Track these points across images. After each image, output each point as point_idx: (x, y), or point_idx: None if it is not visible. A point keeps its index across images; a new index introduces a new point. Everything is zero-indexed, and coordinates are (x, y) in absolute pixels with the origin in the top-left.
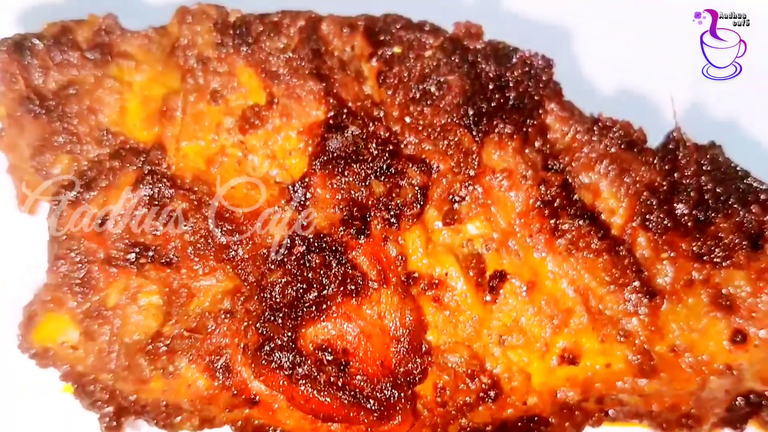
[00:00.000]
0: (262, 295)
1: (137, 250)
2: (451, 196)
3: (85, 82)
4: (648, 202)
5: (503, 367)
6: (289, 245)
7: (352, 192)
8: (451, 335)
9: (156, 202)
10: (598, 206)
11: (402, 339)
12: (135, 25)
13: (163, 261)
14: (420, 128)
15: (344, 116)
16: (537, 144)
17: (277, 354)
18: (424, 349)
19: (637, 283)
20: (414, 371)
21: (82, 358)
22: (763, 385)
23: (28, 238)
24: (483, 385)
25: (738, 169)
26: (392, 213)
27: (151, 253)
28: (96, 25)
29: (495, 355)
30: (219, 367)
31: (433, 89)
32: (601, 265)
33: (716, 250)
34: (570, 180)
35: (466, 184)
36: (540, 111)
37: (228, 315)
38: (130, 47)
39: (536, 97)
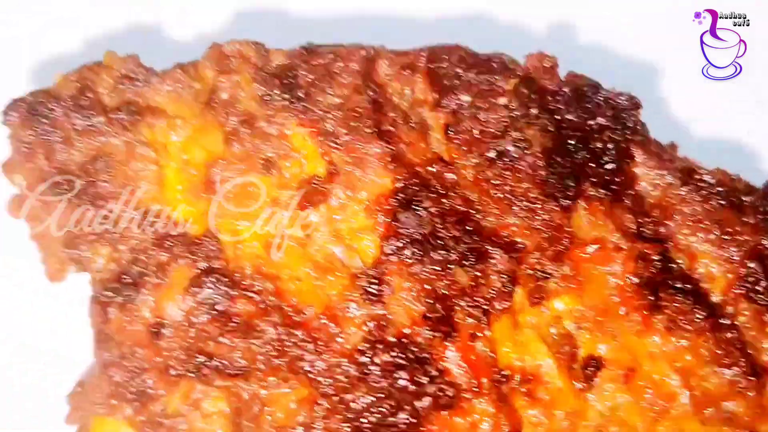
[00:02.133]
0: (345, 414)
1: (199, 359)
2: (537, 273)
3: (115, 153)
4: (754, 270)
5: None
6: (370, 352)
7: (434, 282)
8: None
9: (217, 307)
10: (696, 271)
11: None
12: (158, 64)
13: (229, 372)
14: (500, 196)
15: (415, 185)
16: (626, 202)
17: None
18: None
19: (742, 362)
20: None
21: None
22: None
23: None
24: None
25: None
26: (481, 307)
27: (215, 363)
28: (116, 68)
29: None
30: None
31: (510, 148)
32: (704, 343)
33: None
34: (666, 245)
35: (554, 259)
36: (628, 161)
37: (307, 430)
38: (159, 96)
39: (623, 145)
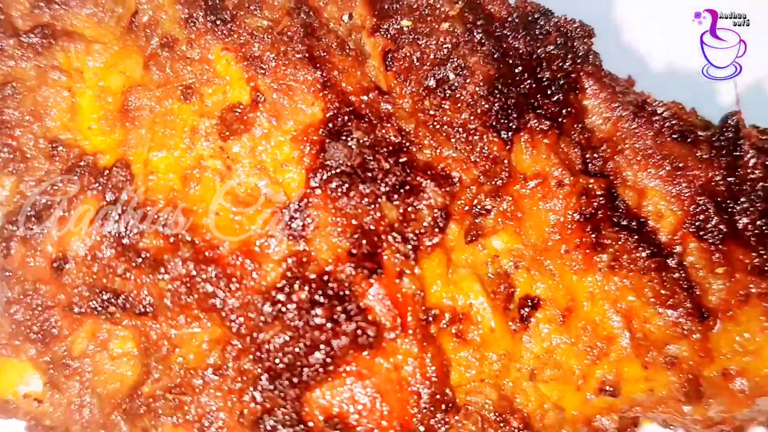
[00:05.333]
0: (257, 354)
1: (104, 297)
2: (474, 209)
3: (25, 78)
4: (704, 207)
5: (535, 404)
6: (287, 290)
7: (361, 217)
8: (477, 374)
9: (123, 241)
10: (645, 209)
11: (422, 393)
12: None
13: (137, 311)
14: (438, 127)
15: (347, 115)
16: (574, 135)
17: (279, 429)
18: (447, 399)
19: (688, 303)
20: (437, 429)
21: (48, 412)
22: None
23: None
24: (513, 428)
25: None
26: (409, 243)
27: (121, 301)
28: None
29: (526, 392)
30: None
31: (451, 76)
32: (649, 283)
33: None
34: (613, 179)
35: (492, 194)
36: (577, 92)
37: (218, 372)
38: (77, 20)
39: (572, 75)
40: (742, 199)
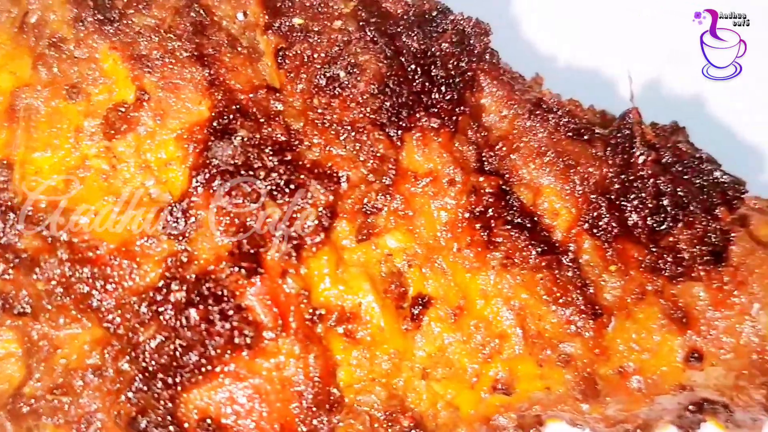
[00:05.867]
0: (134, 355)
1: None
2: (365, 207)
3: None
4: (597, 205)
5: (428, 403)
6: (165, 290)
7: (243, 216)
8: (367, 373)
9: (2, 241)
10: (540, 206)
11: (305, 393)
12: None
13: (16, 311)
14: (326, 125)
15: (233, 113)
16: (470, 133)
17: (152, 430)
18: (333, 399)
19: (580, 301)
20: (320, 429)
21: None
22: (719, 396)
23: None
24: (404, 428)
25: (704, 158)
26: (291, 243)
27: (0, 302)
28: None
29: (418, 391)
30: None
31: (342, 74)
32: (541, 281)
33: (673, 264)
34: (508, 178)
35: (383, 193)
36: (474, 90)
37: (97, 373)
38: None
39: (469, 73)
40: (632, 197)
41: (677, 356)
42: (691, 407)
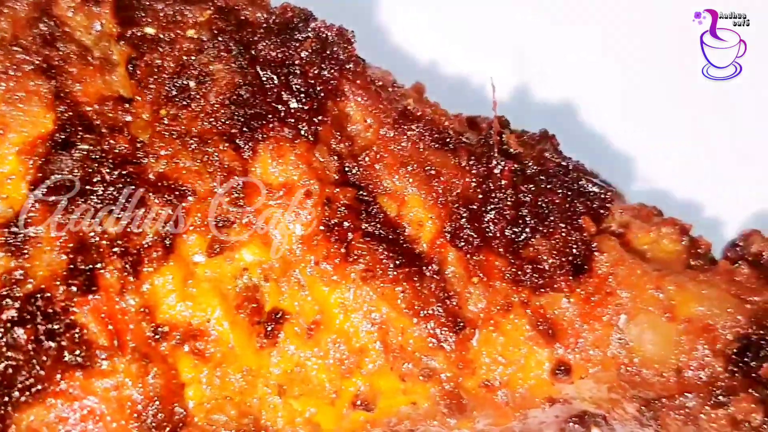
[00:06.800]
0: None
1: None
2: (216, 221)
3: None
4: (459, 215)
5: (285, 420)
6: None
7: (81, 232)
8: (219, 391)
9: None
10: (405, 217)
11: (145, 413)
12: None
13: None
14: (174, 137)
15: (77, 126)
16: (333, 143)
17: None
18: (177, 418)
19: (442, 314)
20: None
21: None
22: (596, 408)
23: None
24: None
25: (570, 168)
26: (128, 260)
27: None
28: None
29: (273, 408)
30: None
31: (192, 84)
32: (401, 293)
33: (534, 275)
34: (372, 188)
35: (233, 206)
36: (338, 99)
37: None
38: None
39: (333, 82)
40: (490, 207)
41: (545, 369)
42: (573, 419)
